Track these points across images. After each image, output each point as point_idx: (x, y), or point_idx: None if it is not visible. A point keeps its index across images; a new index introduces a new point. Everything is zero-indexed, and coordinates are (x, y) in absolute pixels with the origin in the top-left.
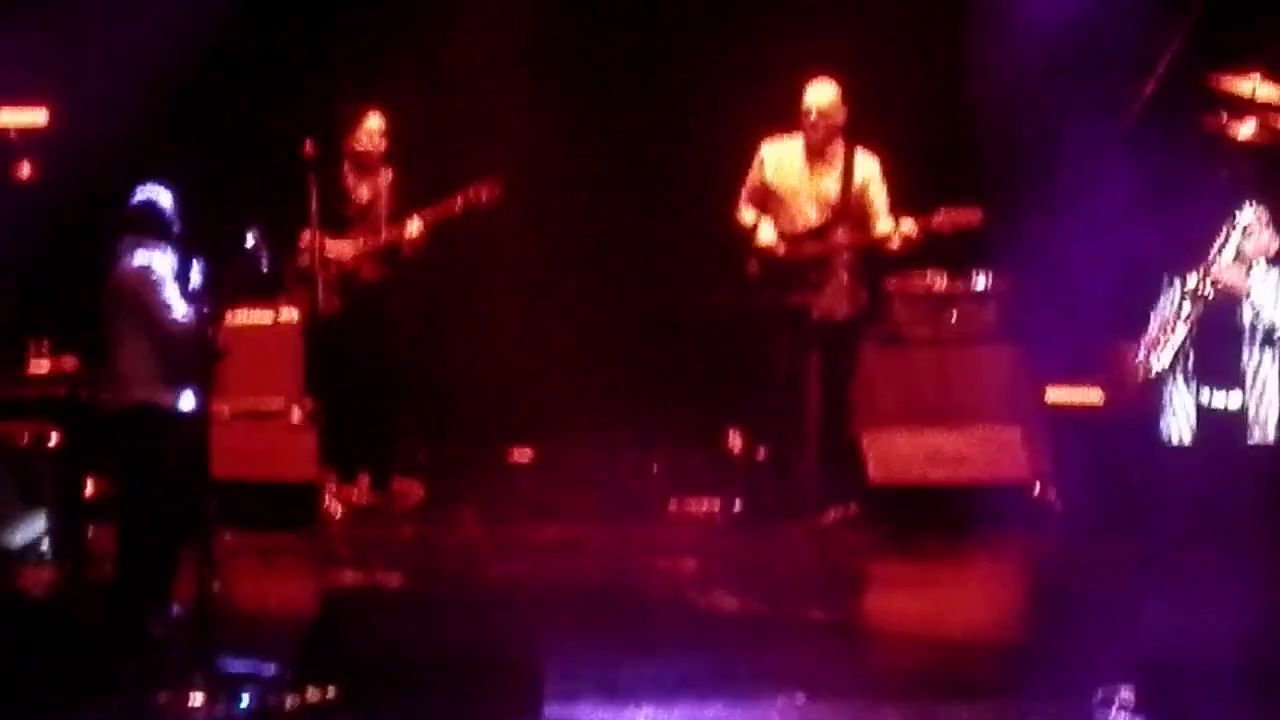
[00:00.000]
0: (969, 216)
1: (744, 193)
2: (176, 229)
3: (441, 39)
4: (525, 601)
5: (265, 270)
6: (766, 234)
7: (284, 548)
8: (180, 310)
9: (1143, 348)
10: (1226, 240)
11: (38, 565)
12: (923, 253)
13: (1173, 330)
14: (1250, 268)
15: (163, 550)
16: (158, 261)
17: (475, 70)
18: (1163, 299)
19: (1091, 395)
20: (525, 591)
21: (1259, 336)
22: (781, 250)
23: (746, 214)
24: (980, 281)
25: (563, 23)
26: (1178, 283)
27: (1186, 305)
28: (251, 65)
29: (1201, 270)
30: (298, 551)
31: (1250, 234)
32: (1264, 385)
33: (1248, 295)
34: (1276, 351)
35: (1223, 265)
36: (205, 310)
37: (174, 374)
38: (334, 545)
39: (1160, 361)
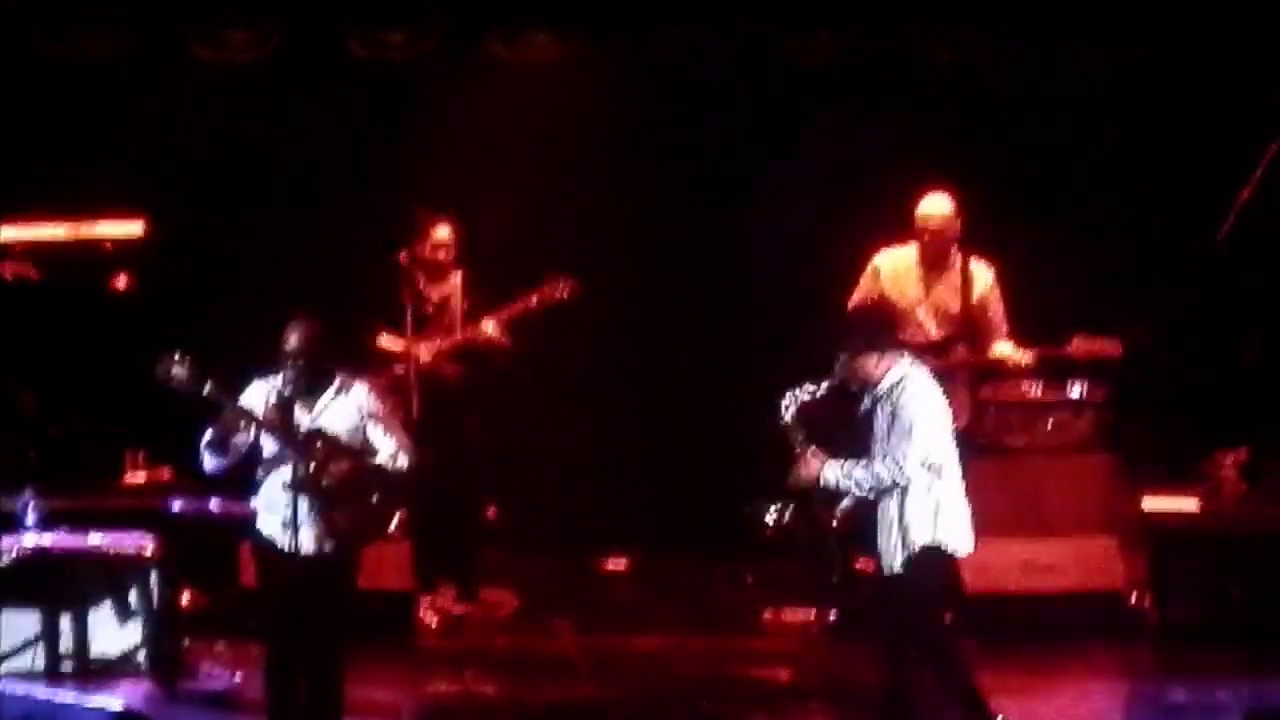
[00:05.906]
0: (1108, 347)
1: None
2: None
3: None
4: (620, 713)
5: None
6: None
7: (380, 657)
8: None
9: None
10: None
11: (134, 676)
12: None
13: None
14: None
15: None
16: None
17: (549, 172)
18: None
19: (1188, 504)
20: (620, 703)
21: None
22: None
23: None
24: (1076, 390)
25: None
26: None
27: None
28: (328, 175)
29: None
30: (393, 661)
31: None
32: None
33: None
34: None
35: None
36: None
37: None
38: (429, 655)
39: None
